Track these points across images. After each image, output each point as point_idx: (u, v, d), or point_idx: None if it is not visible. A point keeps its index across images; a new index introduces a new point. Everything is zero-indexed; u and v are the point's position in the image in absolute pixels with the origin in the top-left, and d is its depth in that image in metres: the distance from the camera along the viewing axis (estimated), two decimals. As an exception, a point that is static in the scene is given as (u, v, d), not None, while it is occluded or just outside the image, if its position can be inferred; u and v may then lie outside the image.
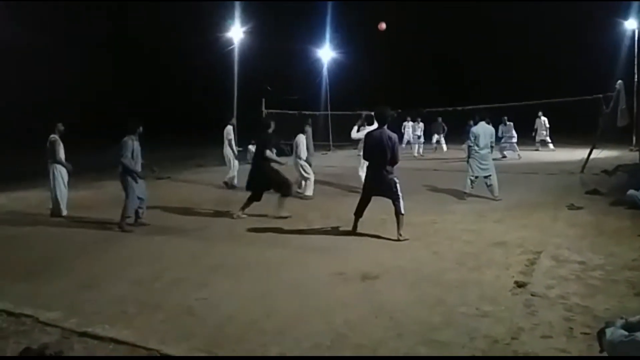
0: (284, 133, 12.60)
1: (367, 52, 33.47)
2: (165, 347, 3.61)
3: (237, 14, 19.48)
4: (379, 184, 6.69)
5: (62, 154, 8.43)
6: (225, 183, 11.83)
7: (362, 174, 9.18)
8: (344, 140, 22.78)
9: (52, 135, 8.37)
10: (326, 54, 26.65)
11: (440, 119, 21.29)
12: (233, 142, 11.94)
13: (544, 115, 19.78)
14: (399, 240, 6.41)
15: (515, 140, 18.64)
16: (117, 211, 7.50)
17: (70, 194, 8.87)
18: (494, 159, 10.00)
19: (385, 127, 6.72)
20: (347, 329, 3.86)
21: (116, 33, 33.45)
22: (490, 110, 10.67)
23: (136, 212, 7.64)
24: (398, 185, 6.69)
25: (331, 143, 24.54)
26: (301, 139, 10.45)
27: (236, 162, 12.01)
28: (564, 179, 11.96)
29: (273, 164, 8.26)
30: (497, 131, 14.75)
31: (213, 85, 28.16)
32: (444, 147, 21.62)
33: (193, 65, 31.76)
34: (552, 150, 19.87)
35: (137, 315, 4.21)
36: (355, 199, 7.05)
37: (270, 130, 8.39)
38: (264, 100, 19.65)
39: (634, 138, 18.33)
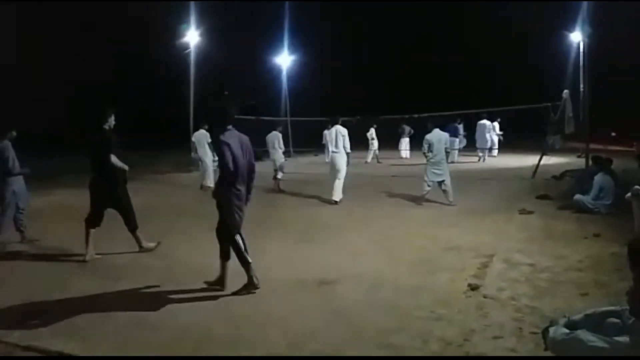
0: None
1: (329, 58, 33.68)
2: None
3: (193, 18, 19.30)
4: None
5: None
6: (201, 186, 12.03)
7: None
8: (305, 146, 22.90)
9: None
10: (285, 59, 26.64)
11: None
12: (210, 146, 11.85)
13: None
14: None
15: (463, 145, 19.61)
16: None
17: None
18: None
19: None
20: (303, 335, 3.84)
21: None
22: (446, 117, 10.88)
23: (18, 228, 6.74)
24: None
25: (291, 149, 24.50)
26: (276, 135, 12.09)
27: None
28: (516, 184, 12.37)
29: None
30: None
31: (166, 89, 27.58)
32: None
33: (149, 69, 30.83)
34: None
35: (86, 327, 4.06)
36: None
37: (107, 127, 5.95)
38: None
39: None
